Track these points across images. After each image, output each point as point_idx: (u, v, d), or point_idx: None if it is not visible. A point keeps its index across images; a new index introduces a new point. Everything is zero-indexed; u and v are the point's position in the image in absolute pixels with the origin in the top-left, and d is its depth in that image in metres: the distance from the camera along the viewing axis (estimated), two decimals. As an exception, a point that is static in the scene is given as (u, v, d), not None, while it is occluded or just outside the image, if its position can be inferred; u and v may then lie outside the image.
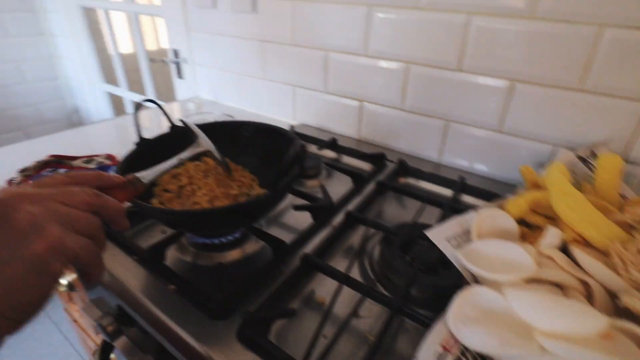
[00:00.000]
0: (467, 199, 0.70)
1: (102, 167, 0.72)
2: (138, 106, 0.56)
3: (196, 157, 0.49)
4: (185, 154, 0.46)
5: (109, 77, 1.82)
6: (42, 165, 0.71)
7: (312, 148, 0.86)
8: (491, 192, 0.68)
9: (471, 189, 0.70)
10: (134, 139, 0.57)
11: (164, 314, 0.44)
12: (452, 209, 0.62)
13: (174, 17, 1.17)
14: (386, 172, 0.77)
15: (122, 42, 1.77)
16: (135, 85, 1.73)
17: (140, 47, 1.48)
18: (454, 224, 0.47)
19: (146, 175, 0.37)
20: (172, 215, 0.45)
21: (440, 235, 0.44)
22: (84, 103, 1.96)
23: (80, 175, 0.30)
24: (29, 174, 0.69)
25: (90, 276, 0.27)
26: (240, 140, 0.62)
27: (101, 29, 1.76)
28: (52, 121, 1.95)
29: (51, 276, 0.24)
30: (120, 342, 0.57)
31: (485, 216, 0.47)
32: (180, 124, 0.54)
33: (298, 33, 0.89)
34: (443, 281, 0.47)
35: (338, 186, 0.72)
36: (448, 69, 0.72)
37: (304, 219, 0.61)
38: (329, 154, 0.85)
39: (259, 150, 0.62)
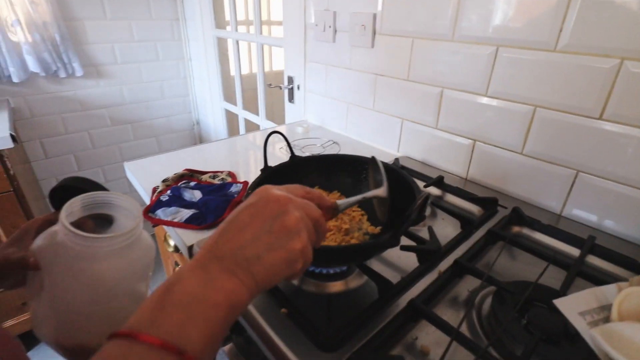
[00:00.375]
0: (596, 261, 0.62)
1: (225, 183, 0.80)
2: (268, 137, 0.62)
3: (369, 200, 0.47)
4: (369, 194, 0.46)
5: (228, 96, 2.05)
6: (179, 177, 0.83)
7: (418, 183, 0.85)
8: (629, 257, 0.59)
9: (603, 250, 0.62)
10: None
11: (273, 332, 0.47)
12: (579, 273, 0.55)
13: (294, 49, 1.27)
14: (498, 218, 0.72)
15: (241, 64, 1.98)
16: (248, 103, 1.91)
17: (260, 72, 1.64)
18: (588, 296, 0.42)
19: (341, 204, 0.40)
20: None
21: (573, 308, 0.40)
22: (204, 117, 2.23)
23: (313, 192, 0.36)
24: (169, 184, 0.80)
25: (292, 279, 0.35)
26: (359, 174, 0.64)
27: (227, 55, 2.01)
28: (178, 131, 2.26)
29: (293, 272, 0.31)
30: (227, 347, 0.63)
31: (628, 294, 0.41)
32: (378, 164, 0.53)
33: (414, 69, 0.90)
34: (569, 357, 0.42)
35: (444, 228, 0.70)
36: (585, 116, 0.65)
37: (407, 259, 0.60)
38: (434, 191, 0.83)
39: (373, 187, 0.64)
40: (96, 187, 0.42)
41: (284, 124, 1.42)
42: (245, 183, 0.81)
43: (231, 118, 2.09)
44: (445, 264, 0.59)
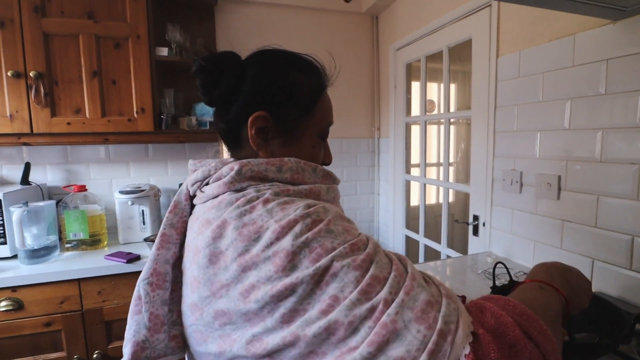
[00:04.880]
0: None
1: (445, 296, 1.12)
2: (495, 265, 0.94)
3: None
4: None
5: (408, 223, 2.47)
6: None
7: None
8: None
9: None
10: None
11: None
12: None
13: (480, 195, 1.63)
14: None
15: (417, 196, 2.43)
16: (430, 232, 2.27)
17: (445, 210, 2.02)
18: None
19: None
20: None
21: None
22: (385, 240, 2.68)
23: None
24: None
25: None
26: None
27: (410, 190, 2.50)
28: (361, 249, 2.75)
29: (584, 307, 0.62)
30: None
31: None
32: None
33: (602, 218, 1.12)
34: None
35: (651, 357, 0.83)
36: None
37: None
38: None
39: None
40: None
41: (467, 254, 1.70)
42: (463, 297, 1.10)
43: (409, 242, 2.47)
44: (656, 383, 0.73)
